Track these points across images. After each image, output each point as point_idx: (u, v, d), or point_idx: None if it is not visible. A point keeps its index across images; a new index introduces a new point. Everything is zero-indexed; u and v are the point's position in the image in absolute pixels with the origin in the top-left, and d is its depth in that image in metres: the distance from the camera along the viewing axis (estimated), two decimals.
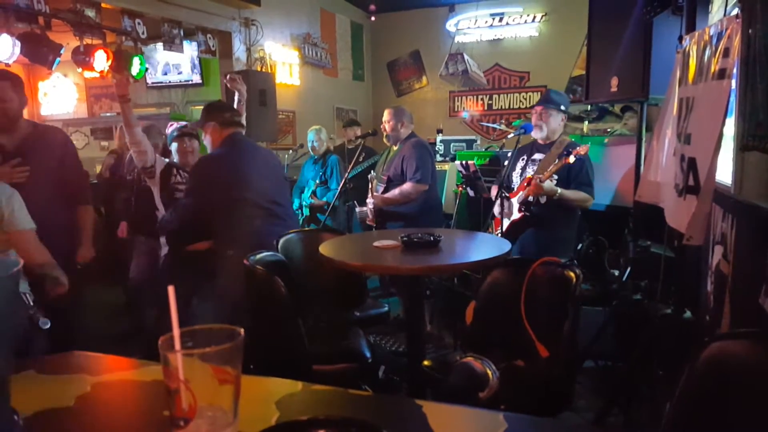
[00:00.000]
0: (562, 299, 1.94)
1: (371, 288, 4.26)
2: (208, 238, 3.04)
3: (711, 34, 1.78)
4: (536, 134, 3.38)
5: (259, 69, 6.47)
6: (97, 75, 4.90)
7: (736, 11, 1.66)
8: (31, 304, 2.09)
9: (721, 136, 1.62)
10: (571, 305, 1.91)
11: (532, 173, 3.29)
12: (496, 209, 3.40)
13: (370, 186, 3.95)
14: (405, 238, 2.37)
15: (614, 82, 3.04)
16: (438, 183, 4.27)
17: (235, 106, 3.46)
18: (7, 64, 3.94)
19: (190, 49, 6.08)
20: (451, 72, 7.59)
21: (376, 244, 2.44)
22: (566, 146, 3.27)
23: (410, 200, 3.80)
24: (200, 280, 2.98)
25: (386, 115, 3.99)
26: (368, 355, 2.40)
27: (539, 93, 8.10)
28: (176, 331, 0.70)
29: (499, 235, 3.32)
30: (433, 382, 2.15)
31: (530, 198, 3.22)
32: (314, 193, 5.28)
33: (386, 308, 3.10)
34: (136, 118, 3.28)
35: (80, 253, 3.00)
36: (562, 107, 3.37)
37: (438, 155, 6.17)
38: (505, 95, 8.98)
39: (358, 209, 4.21)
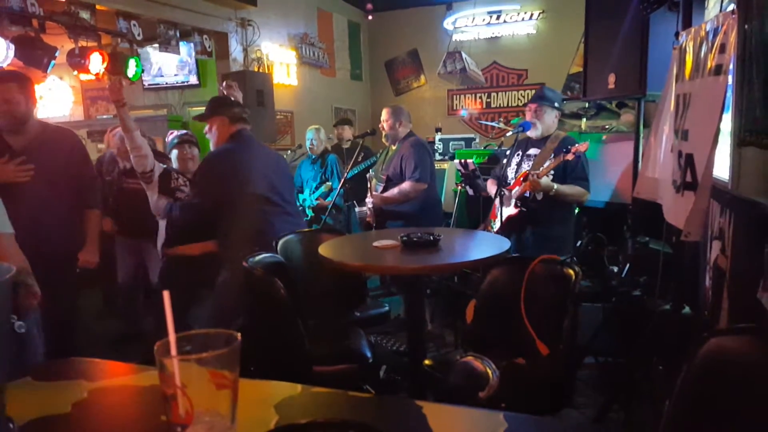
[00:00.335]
0: (562, 296, 1.94)
1: (372, 288, 4.27)
2: (206, 239, 3.02)
3: (707, 30, 1.78)
4: (531, 132, 3.37)
5: (256, 69, 6.46)
6: (93, 77, 4.89)
7: (732, 7, 1.66)
8: None
9: (718, 131, 1.62)
10: (570, 302, 1.91)
11: (528, 169, 3.29)
12: (496, 201, 3.39)
13: (369, 185, 3.95)
14: (404, 238, 2.36)
15: (611, 78, 3.04)
16: (437, 182, 4.27)
17: None
18: (1, 67, 3.93)
19: (187, 50, 6.06)
20: (449, 70, 7.57)
21: (375, 244, 2.44)
22: (561, 140, 3.26)
23: (409, 199, 3.79)
24: (197, 287, 2.97)
25: (384, 115, 4.00)
26: (369, 355, 2.40)
27: None
28: (172, 336, 0.70)
29: (497, 225, 3.32)
30: (434, 381, 2.15)
31: (526, 194, 3.21)
32: (321, 195, 5.24)
33: (387, 308, 3.10)
34: (134, 122, 3.24)
35: (83, 256, 2.99)
36: (556, 104, 3.36)
37: (437, 154, 6.18)
38: (504, 93, 8.97)
39: (357, 209, 4.20)
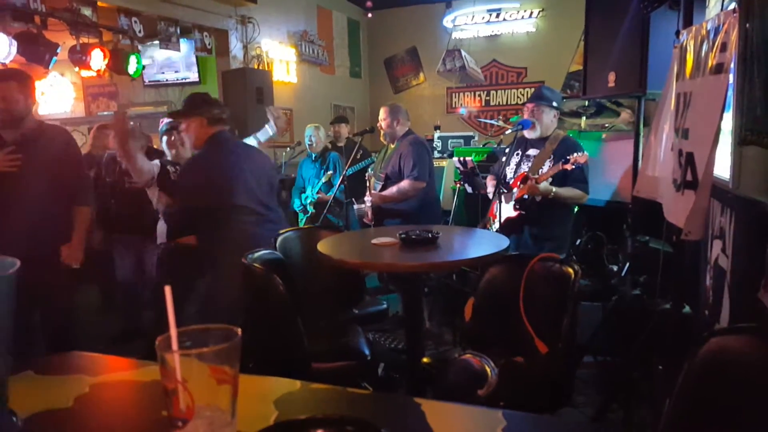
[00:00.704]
0: (561, 295, 1.94)
1: (370, 287, 4.27)
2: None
3: (708, 28, 1.78)
4: (529, 134, 3.36)
5: (256, 67, 6.46)
6: (94, 74, 4.89)
7: (733, 6, 1.66)
8: None
9: (718, 130, 1.61)
10: (569, 301, 1.91)
11: (527, 169, 3.28)
12: (495, 200, 3.39)
13: (368, 184, 3.95)
14: (403, 236, 2.36)
15: (612, 77, 3.03)
16: (436, 179, 4.27)
17: (264, 133, 3.53)
18: (3, 64, 3.94)
19: (187, 47, 6.06)
20: (449, 68, 7.56)
21: (374, 241, 2.44)
22: (561, 141, 3.25)
23: (408, 197, 3.79)
24: (193, 278, 2.98)
25: (382, 113, 3.98)
26: (367, 352, 2.40)
27: None
28: (173, 331, 0.70)
29: (496, 226, 3.32)
30: (433, 379, 2.15)
31: (525, 196, 3.21)
32: (320, 188, 5.23)
33: (385, 305, 3.10)
34: (138, 148, 3.19)
35: (66, 252, 2.92)
36: (554, 103, 3.35)
37: (436, 152, 6.17)
38: (503, 91, 8.97)
39: (356, 206, 4.21)
